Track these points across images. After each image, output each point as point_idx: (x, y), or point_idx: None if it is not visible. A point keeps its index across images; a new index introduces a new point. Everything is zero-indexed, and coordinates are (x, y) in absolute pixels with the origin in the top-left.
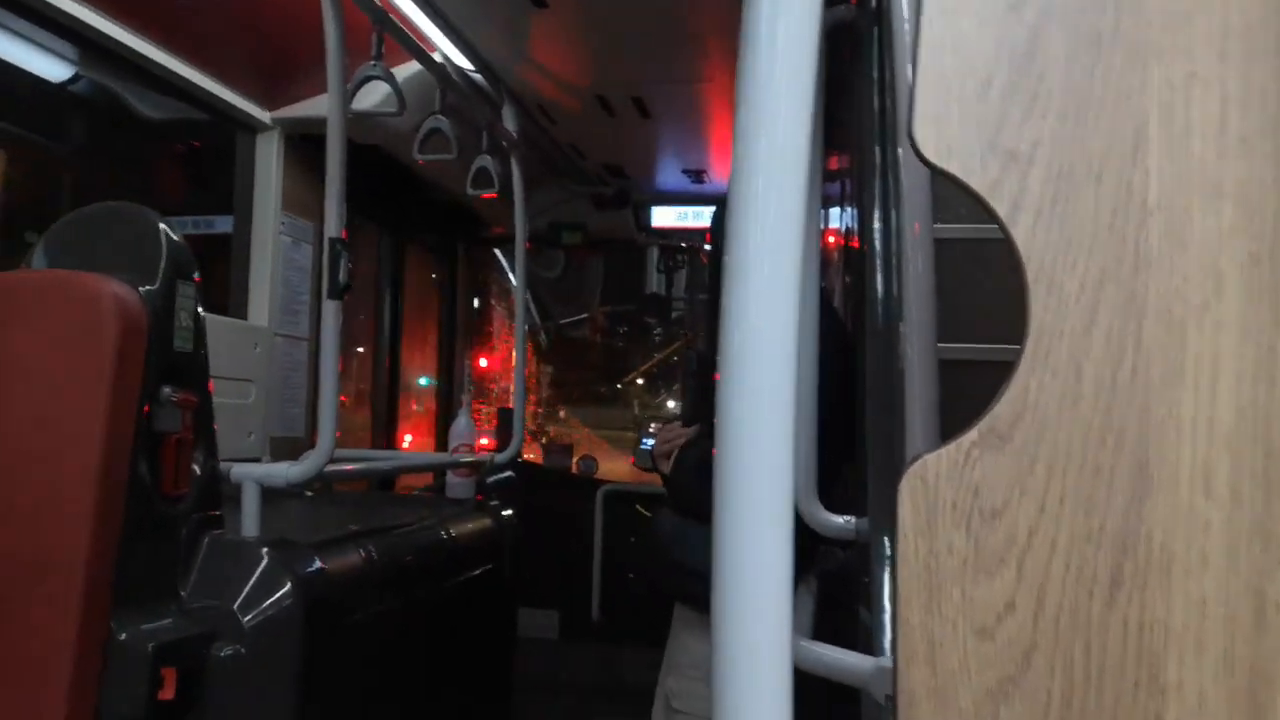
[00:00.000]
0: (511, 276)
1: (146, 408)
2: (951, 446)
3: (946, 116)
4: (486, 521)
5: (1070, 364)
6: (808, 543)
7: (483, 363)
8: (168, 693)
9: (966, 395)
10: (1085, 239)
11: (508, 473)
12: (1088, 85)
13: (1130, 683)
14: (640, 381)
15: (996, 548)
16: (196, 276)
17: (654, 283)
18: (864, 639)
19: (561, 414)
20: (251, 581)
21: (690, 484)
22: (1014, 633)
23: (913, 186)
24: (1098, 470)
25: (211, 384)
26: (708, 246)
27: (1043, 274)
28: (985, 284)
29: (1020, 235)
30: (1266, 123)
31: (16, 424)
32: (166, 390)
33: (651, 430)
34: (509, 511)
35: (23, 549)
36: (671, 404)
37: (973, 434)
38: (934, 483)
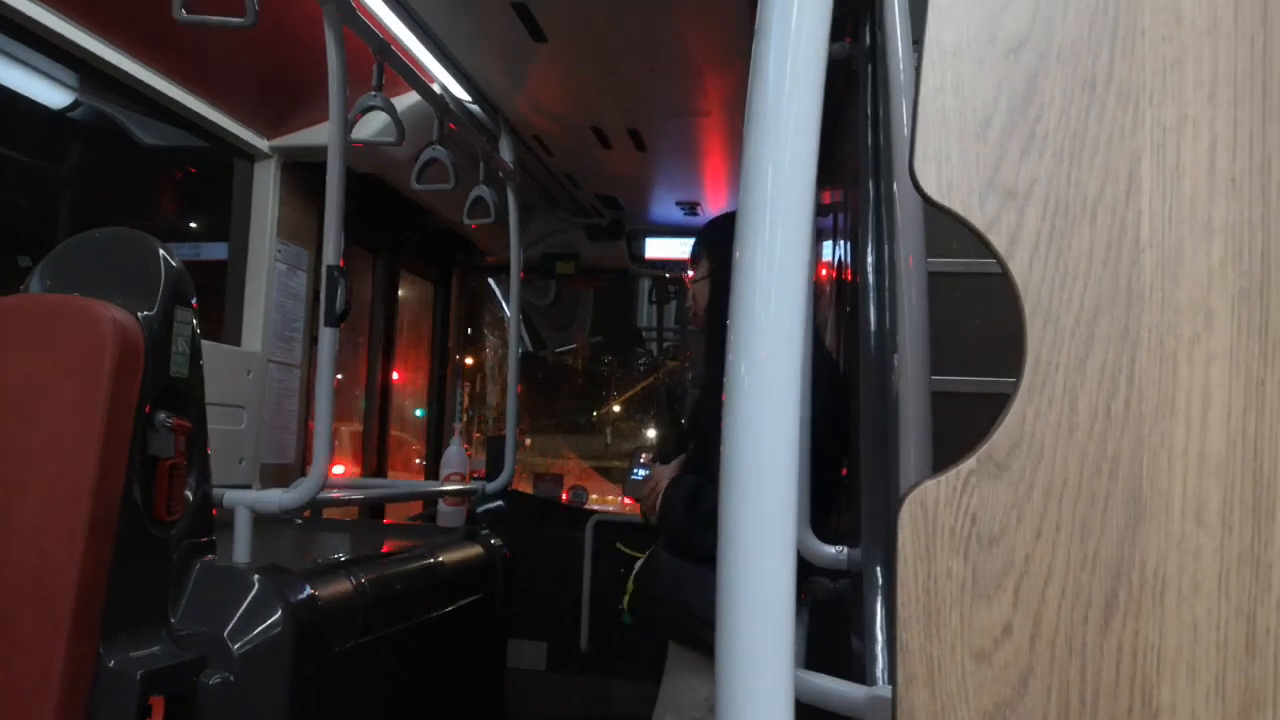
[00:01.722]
0: (505, 305)
1: (141, 432)
2: (951, 474)
3: (947, 155)
4: (477, 550)
5: (1066, 394)
6: (801, 573)
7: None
8: None
9: (958, 427)
10: (1080, 274)
11: (498, 502)
12: (1083, 126)
13: (1124, 707)
14: (617, 409)
15: (994, 573)
16: (194, 302)
17: (644, 314)
18: (856, 668)
19: (528, 442)
20: (242, 608)
21: (682, 524)
22: (1011, 656)
23: (907, 221)
24: (1093, 498)
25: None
26: (689, 272)
27: (1039, 307)
28: (977, 318)
29: (1018, 270)
30: (1254, 164)
31: (11, 446)
32: (161, 415)
33: (642, 460)
34: (499, 541)
35: (13, 571)
36: (650, 433)
37: (971, 462)
38: (933, 509)
